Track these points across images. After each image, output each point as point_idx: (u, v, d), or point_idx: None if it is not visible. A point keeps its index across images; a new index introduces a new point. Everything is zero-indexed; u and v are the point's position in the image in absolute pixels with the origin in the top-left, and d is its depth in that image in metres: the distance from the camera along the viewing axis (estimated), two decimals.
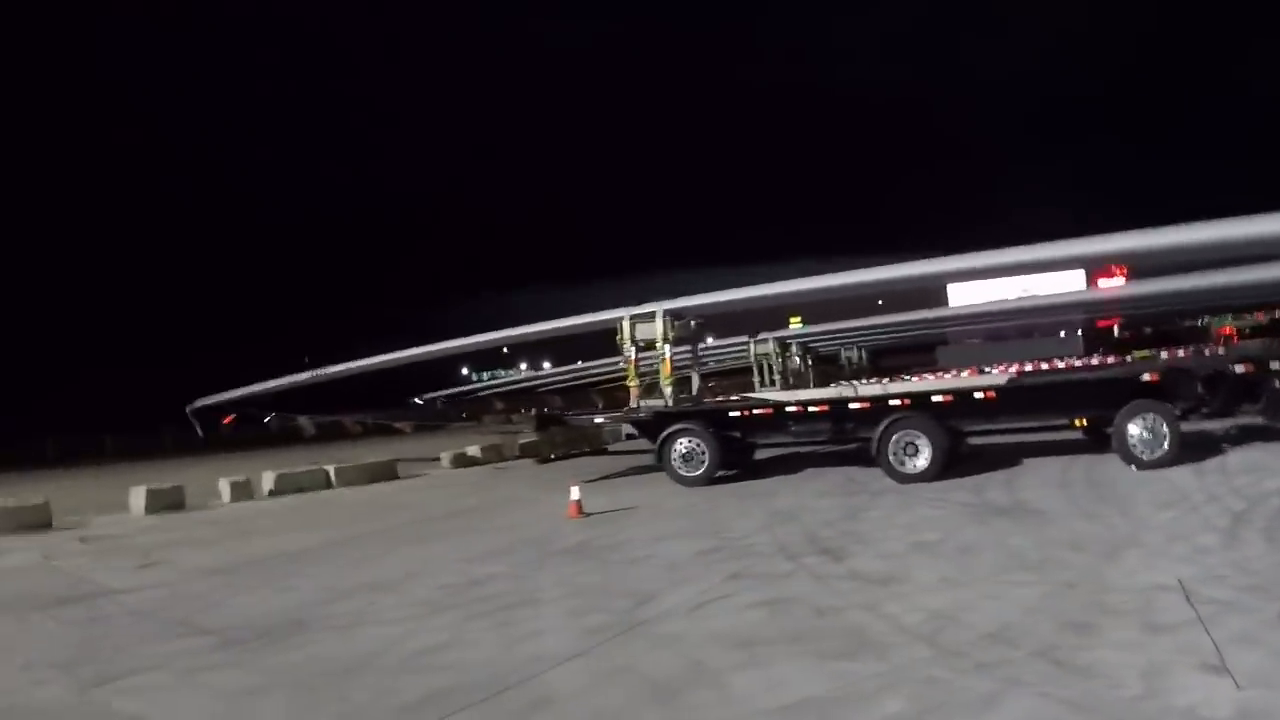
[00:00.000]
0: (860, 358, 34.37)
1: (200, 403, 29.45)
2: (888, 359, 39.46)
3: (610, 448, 21.71)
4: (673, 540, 8.83)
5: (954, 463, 11.62)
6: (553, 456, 20.16)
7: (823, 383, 22.37)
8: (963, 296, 38.46)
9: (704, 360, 16.17)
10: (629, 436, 22.32)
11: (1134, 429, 11.08)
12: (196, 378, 35.74)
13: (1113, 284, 38.37)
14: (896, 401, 11.96)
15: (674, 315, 15.22)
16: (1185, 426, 11.46)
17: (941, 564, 6.85)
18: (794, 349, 24.70)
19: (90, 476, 27.24)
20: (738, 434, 13.22)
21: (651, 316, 15.19)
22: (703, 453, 12.81)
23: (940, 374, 15.10)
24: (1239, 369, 13.21)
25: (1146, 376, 11.79)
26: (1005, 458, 12.57)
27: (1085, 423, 12.44)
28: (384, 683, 5.11)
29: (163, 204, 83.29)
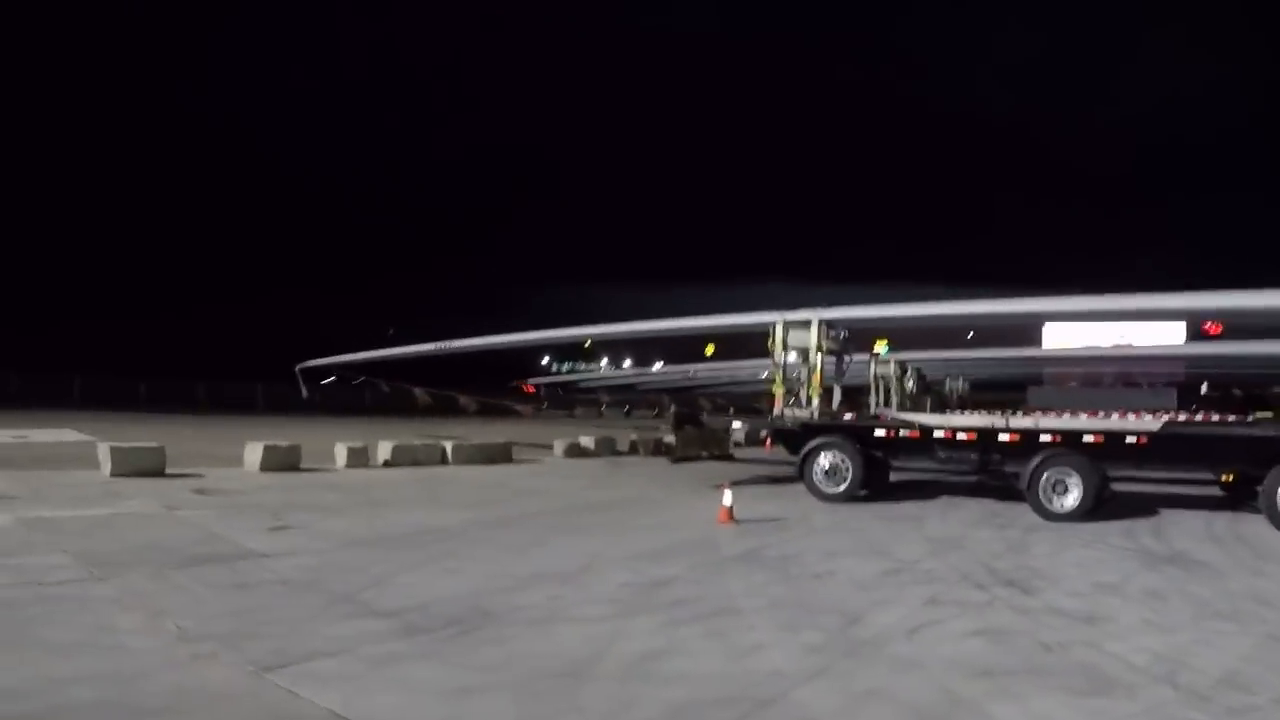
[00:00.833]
0: (963, 388, 34.16)
1: (310, 363, 30.84)
2: (982, 393, 39.12)
3: (735, 455, 21.88)
4: (845, 557, 9.02)
5: (1099, 505, 11.88)
6: (690, 457, 20.31)
7: (937, 409, 22.50)
8: (1058, 337, 37.95)
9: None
10: (736, 444, 22.91)
11: None
12: (297, 339, 37.46)
13: (1213, 340, 37.41)
14: (1048, 438, 12.14)
15: (828, 325, 15.11)
16: None
17: (1136, 607, 7.15)
18: (910, 372, 24.85)
19: (187, 425, 27.84)
20: (880, 453, 13.44)
21: (806, 324, 14.95)
22: (847, 469, 13.03)
23: (1060, 413, 15.13)
24: None
25: None
26: (1141, 506, 12.72)
27: (1232, 478, 12.51)
28: (613, 691, 4.79)
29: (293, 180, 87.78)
